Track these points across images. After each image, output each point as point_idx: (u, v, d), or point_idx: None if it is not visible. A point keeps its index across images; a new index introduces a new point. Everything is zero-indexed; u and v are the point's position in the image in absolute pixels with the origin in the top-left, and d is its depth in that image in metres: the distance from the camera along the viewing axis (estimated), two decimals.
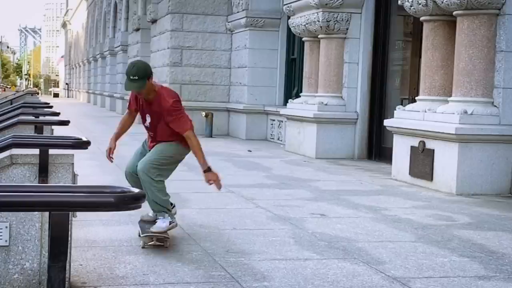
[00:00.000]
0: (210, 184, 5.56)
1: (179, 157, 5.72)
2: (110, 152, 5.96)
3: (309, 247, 5.35)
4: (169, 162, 5.60)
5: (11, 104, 11.89)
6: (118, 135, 6.03)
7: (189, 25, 17.74)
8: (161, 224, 5.32)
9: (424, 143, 8.98)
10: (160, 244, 5.25)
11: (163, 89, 5.55)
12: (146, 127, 5.77)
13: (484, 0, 8.37)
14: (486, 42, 8.54)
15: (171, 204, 5.61)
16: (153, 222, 5.37)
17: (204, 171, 5.55)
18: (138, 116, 5.95)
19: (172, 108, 5.40)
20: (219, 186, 5.57)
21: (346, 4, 12.27)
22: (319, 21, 12.35)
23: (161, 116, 5.48)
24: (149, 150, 5.70)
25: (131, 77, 5.30)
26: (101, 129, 19.33)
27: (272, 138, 16.15)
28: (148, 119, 5.65)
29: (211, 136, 16.81)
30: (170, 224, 5.36)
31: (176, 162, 5.69)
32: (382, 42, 12.29)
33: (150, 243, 5.23)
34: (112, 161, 6.00)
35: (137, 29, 23.55)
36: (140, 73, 5.30)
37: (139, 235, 5.32)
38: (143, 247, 5.17)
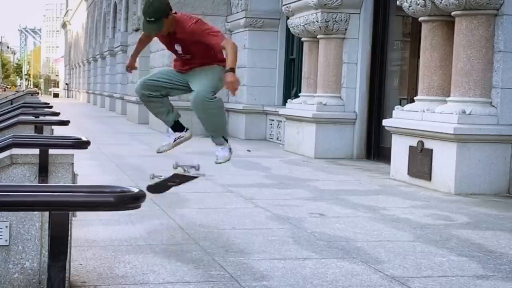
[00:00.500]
0: (227, 87, 5.16)
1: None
2: (131, 66, 5.91)
3: (308, 246, 5.36)
4: (220, 85, 5.38)
5: (11, 104, 11.91)
6: (138, 52, 5.93)
7: None
8: (225, 153, 5.45)
9: (422, 143, 9.01)
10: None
11: (182, 16, 5.33)
12: (178, 54, 5.47)
13: (482, 0, 8.39)
14: (484, 43, 8.56)
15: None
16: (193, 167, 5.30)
17: (227, 71, 5.12)
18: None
19: (201, 26, 5.20)
20: (234, 91, 5.13)
21: (345, 4, 12.29)
22: (318, 22, 12.37)
23: (192, 39, 5.22)
24: (184, 73, 5.49)
25: (148, 19, 5.11)
26: (101, 129, 19.35)
27: (271, 138, 16.16)
28: (179, 48, 5.40)
29: None
30: (230, 151, 5.48)
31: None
32: (381, 42, 12.31)
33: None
34: (130, 72, 6.06)
35: (137, 30, 23.52)
36: (157, 14, 5.07)
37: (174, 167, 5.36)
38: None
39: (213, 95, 5.33)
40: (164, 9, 5.11)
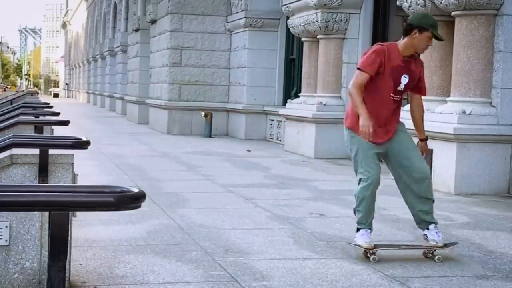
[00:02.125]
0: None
1: None
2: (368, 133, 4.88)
3: (308, 246, 5.37)
4: None
5: (11, 104, 11.90)
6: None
7: (189, 25, 17.76)
8: (437, 236, 5.07)
9: None
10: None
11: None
12: (393, 92, 4.99)
13: (482, 0, 8.40)
14: (484, 43, 8.56)
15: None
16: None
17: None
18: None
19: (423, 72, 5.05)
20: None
21: (345, 4, 12.29)
22: (318, 22, 12.38)
23: (415, 79, 5.00)
24: (383, 144, 5.07)
25: (431, 25, 4.97)
26: (101, 129, 19.35)
27: (271, 138, 16.16)
28: (404, 80, 4.96)
29: (210, 136, 16.83)
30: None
31: None
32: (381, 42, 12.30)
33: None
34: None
35: (137, 30, 23.55)
36: (432, 22, 5.01)
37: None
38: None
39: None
40: (422, 19, 5.15)
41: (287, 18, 14.14)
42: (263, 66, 16.64)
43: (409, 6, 9.38)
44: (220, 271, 4.59)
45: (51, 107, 9.42)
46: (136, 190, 2.50)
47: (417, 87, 5.09)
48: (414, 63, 5.04)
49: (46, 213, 3.29)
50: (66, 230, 2.55)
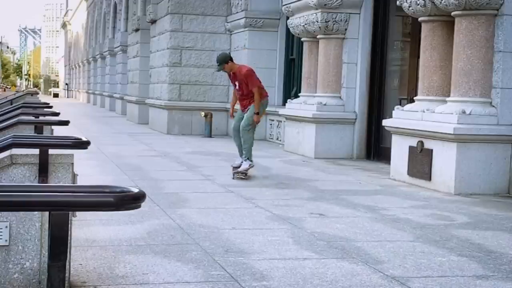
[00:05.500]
0: (256, 123, 9.52)
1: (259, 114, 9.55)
2: (231, 115, 9.89)
3: (308, 246, 5.37)
4: (252, 120, 9.47)
5: (11, 104, 11.91)
6: (234, 103, 10.01)
7: (189, 25, 17.76)
8: (245, 165, 9.31)
9: (422, 143, 9.01)
10: (243, 177, 9.15)
11: (241, 66, 9.68)
12: (237, 90, 9.60)
13: (482, 0, 8.39)
14: (484, 43, 8.56)
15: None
16: (239, 166, 9.36)
17: (255, 113, 9.42)
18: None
19: (246, 73, 9.35)
20: (256, 123, 9.61)
21: (344, 4, 12.29)
22: (318, 22, 12.38)
23: (242, 80, 9.36)
24: (243, 112, 9.57)
25: (216, 64, 9.50)
26: (101, 129, 19.35)
27: (271, 138, 16.16)
28: (237, 84, 9.49)
29: (210, 136, 16.83)
30: (249, 166, 9.35)
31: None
32: (381, 42, 12.32)
33: (237, 177, 9.15)
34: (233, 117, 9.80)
35: (137, 30, 23.55)
36: (218, 60, 9.44)
37: (232, 178, 9.15)
38: (233, 179, 9.12)
39: (248, 125, 9.48)
40: (223, 58, 9.50)
41: (287, 18, 14.14)
42: (263, 66, 16.62)
43: (409, 6, 9.38)
44: (220, 271, 4.59)
45: (51, 107, 9.42)
46: (136, 190, 2.50)
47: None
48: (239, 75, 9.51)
49: (46, 213, 3.29)
50: (66, 230, 2.55)
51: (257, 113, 9.36)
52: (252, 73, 9.39)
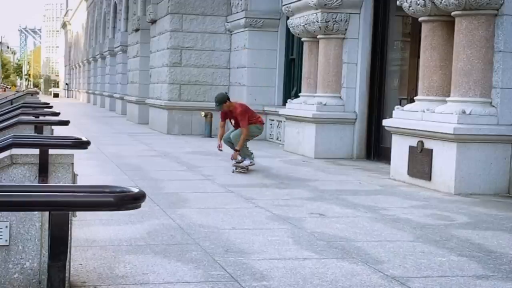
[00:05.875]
0: (232, 158, 10.19)
1: (249, 136, 10.24)
2: (220, 146, 10.44)
3: (308, 246, 5.37)
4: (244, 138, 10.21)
5: (11, 104, 11.91)
6: (221, 136, 10.53)
7: (189, 25, 17.76)
8: (246, 162, 10.09)
9: (422, 143, 9.01)
10: (243, 171, 9.90)
11: (237, 104, 10.35)
12: (232, 124, 10.49)
13: (482, 0, 8.39)
14: (484, 43, 8.56)
15: (251, 153, 10.24)
16: (241, 161, 10.12)
17: (235, 149, 10.11)
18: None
19: (240, 114, 10.07)
20: (235, 157, 10.19)
21: (345, 4, 12.29)
22: (318, 22, 12.38)
23: (237, 117, 10.13)
24: (235, 129, 10.40)
25: (215, 103, 10.15)
26: (101, 129, 19.35)
27: (271, 138, 16.17)
28: (233, 121, 10.36)
29: (210, 136, 16.83)
30: (250, 163, 10.09)
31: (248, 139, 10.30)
32: (381, 42, 12.32)
33: (237, 171, 9.90)
34: (221, 150, 10.49)
35: (137, 30, 23.55)
36: (217, 101, 10.11)
37: (233, 171, 9.90)
38: (233, 172, 9.87)
39: (239, 136, 10.12)
40: (222, 98, 10.14)
41: (287, 18, 14.14)
42: (263, 66, 16.65)
43: (409, 6, 9.38)
44: (220, 271, 4.59)
45: (51, 107, 9.42)
46: (136, 190, 2.50)
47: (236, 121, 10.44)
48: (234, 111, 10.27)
49: (46, 213, 3.30)
50: (66, 230, 2.55)
51: (237, 150, 10.01)
52: (245, 112, 10.09)
